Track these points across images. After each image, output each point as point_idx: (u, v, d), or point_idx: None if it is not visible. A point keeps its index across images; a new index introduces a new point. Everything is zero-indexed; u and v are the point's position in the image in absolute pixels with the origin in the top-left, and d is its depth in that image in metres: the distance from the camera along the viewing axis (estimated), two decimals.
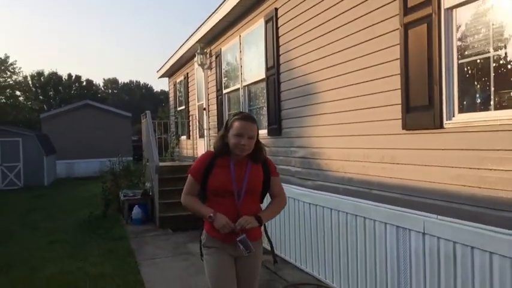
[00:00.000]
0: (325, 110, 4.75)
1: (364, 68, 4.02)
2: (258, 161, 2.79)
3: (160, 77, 14.41)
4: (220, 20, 7.58)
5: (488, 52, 2.88)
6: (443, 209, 3.15)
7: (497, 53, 2.83)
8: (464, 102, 3.07)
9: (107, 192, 9.92)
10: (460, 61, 3.07)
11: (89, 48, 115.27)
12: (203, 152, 2.76)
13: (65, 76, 49.82)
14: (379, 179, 3.86)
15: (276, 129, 5.93)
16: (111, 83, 69.46)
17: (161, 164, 9.19)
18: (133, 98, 62.50)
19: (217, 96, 8.73)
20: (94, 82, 55.74)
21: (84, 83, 51.27)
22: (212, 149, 2.86)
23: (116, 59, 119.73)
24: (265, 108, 6.43)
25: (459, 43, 3.09)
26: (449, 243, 3.10)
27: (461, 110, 3.07)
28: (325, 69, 4.71)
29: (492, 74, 2.86)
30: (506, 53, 2.77)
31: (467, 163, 2.97)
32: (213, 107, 9.08)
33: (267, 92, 6.22)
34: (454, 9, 3.07)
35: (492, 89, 2.87)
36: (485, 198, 2.83)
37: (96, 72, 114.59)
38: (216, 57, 8.77)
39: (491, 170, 2.79)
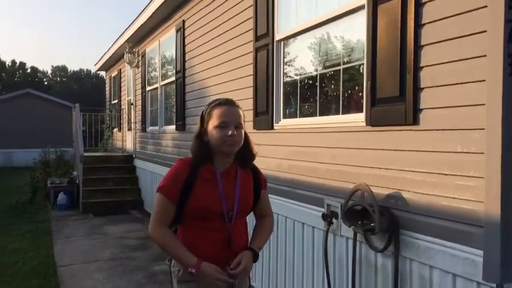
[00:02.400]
0: None
1: (236, 79, 4.99)
2: (247, 165, 2.17)
3: (97, 70, 14.94)
4: (142, 25, 8.38)
5: (298, 75, 3.92)
6: (275, 190, 4.16)
7: (303, 76, 3.87)
8: (287, 111, 4.11)
9: (36, 180, 10.46)
10: (284, 80, 4.10)
11: (35, 35, 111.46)
12: (176, 163, 2.12)
13: (8, 62, 48.48)
14: None
15: (181, 125, 6.83)
16: (60, 70, 67.83)
17: (87, 154, 9.87)
18: (83, 87, 61.43)
19: (142, 93, 9.53)
20: (41, 69, 54.49)
21: (29, 70, 50.06)
22: (189, 156, 2.13)
23: (65, 47, 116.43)
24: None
25: (285, 67, 4.11)
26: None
27: (285, 116, 4.10)
28: (214, 77, 5.66)
29: (299, 91, 3.91)
30: (310, 77, 3.82)
31: (286, 155, 4.00)
32: (139, 103, 9.86)
33: (176, 93, 7.12)
34: (282, 41, 4.09)
35: (298, 102, 3.93)
36: (293, 181, 3.87)
37: (44, 59, 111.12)
38: (142, 57, 9.56)
39: (298, 160, 3.82)
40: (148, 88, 9.08)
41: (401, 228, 2.67)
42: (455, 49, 2.34)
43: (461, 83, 2.31)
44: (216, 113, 2.03)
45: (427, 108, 2.52)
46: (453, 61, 2.35)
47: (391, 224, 2.68)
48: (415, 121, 2.58)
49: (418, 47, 2.56)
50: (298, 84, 3.96)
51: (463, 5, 2.29)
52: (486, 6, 2.16)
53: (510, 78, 2.08)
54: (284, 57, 4.11)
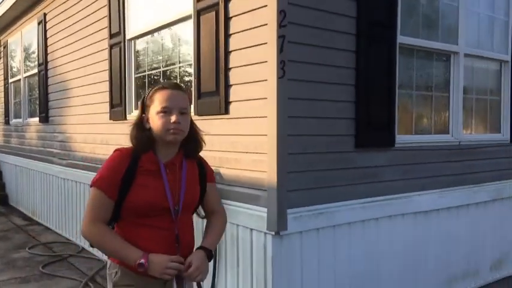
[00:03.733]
0: (75, 103, 5.92)
1: (94, 73, 5.30)
2: (194, 155, 1.99)
3: None
4: (3, 15, 8.12)
5: (147, 71, 4.42)
6: None
7: (151, 72, 4.37)
8: (139, 102, 4.56)
9: None
10: (135, 75, 4.55)
11: None
12: (113, 153, 1.88)
13: None
14: (100, 156, 5.19)
15: (44, 117, 6.87)
16: None
17: None
18: None
19: (4, 85, 9.18)
20: None
21: None
22: (128, 145, 1.89)
23: None
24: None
25: (137, 63, 4.57)
26: None
27: (137, 108, 4.55)
28: (75, 70, 5.86)
29: (147, 86, 4.40)
30: (157, 73, 4.32)
31: None
32: (1, 95, 9.48)
33: (39, 85, 7.12)
34: (132, 40, 4.53)
35: None
36: None
37: None
38: (3, 48, 9.20)
39: None
40: (11, 80, 8.81)
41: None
42: (249, 55, 3.03)
43: (253, 82, 3.00)
44: (158, 97, 1.81)
45: (234, 101, 3.19)
46: (248, 64, 3.04)
47: None
48: (227, 111, 3.23)
49: (227, 53, 3.21)
50: (147, 79, 4.44)
51: (253, 22, 2.98)
52: (266, 24, 2.86)
53: (281, 79, 2.81)
54: (135, 54, 4.56)
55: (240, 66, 3.12)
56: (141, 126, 1.87)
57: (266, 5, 2.87)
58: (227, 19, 3.20)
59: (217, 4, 3.24)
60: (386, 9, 3.44)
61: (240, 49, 3.13)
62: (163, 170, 1.85)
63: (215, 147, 3.35)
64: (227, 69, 3.22)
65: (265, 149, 2.91)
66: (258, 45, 2.96)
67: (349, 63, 3.28)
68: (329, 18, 3.13)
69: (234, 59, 3.17)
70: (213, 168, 3.39)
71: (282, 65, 2.82)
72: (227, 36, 3.21)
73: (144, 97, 1.91)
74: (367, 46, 3.30)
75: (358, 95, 3.30)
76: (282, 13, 2.82)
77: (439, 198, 3.92)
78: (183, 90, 1.89)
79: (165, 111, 1.79)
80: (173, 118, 1.78)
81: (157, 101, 1.81)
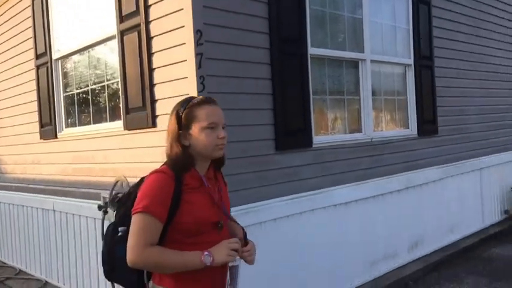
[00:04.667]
0: (4, 124, 5.85)
1: (22, 93, 5.29)
2: (222, 166, 1.96)
3: None
4: None
5: (76, 90, 4.53)
6: (62, 192, 4.66)
7: (80, 90, 4.49)
8: (68, 121, 4.66)
9: None
10: (64, 94, 4.64)
11: None
12: (150, 174, 1.79)
13: None
14: (33, 176, 5.20)
15: None
16: None
17: None
18: None
19: None
20: None
21: None
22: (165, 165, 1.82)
23: None
24: None
25: (65, 82, 4.66)
26: (64, 214, 4.65)
27: (67, 126, 4.65)
28: (3, 91, 5.79)
29: (76, 104, 4.51)
30: (85, 91, 4.45)
31: (70, 160, 4.55)
32: None
33: None
34: (59, 60, 4.63)
35: (77, 113, 4.53)
36: (77, 182, 4.45)
37: None
38: None
39: (80, 163, 4.41)
40: None
41: None
42: (171, 72, 3.27)
43: (176, 96, 3.23)
44: (203, 113, 1.77)
45: (161, 115, 3.41)
46: (171, 80, 3.28)
47: None
48: (154, 124, 3.45)
49: (151, 70, 3.44)
50: (76, 98, 4.55)
51: (173, 41, 3.23)
52: (185, 43, 3.13)
53: (201, 93, 3.08)
54: (63, 74, 4.65)
55: (164, 82, 3.35)
56: (180, 143, 1.78)
57: (184, 26, 3.14)
58: (149, 39, 3.42)
59: (138, 25, 3.46)
60: (296, 25, 3.81)
61: (163, 66, 3.36)
62: (206, 183, 1.82)
63: (145, 159, 3.55)
64: (152, 85, 3.44)
65: None
66: (178, 62, 3.21)
67: (266, 75, 3.61)
68: (244, 35, 3.45)
69: (158, 76, 3.40)
70: None
71: (201, 79, 3.09)
72: (150, 54, 3.43)
73: (177, 113, 1.81)
74: (280, 59, 3.65)
75: (276, 103, 3.63)
76: (198, 32, 3.09)
77: (356, 190, 4.34)
78: (218, 104, 1.87)
79: (213, 127, 1.77)
80: (222, 134, 1.79)
81: (202, 116, 1.77)
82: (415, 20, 5.11)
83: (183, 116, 1.79)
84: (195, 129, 1.77)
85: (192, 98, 1.86)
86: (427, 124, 5.27)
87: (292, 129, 3.76)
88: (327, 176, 4.11)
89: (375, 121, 4.71)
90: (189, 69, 3.10)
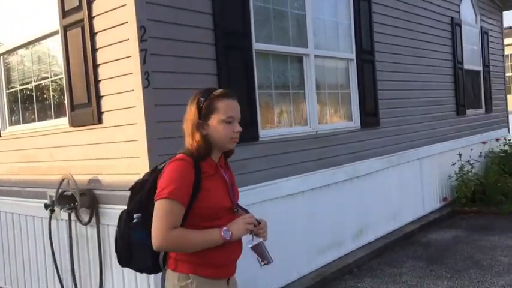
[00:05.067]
0: None
1: None
2: (229, 156, 2.08)
3: None
4: None
5: (19, 86, 4.42)
6: (7, 192, 4.53)
7: (23, 87, 4.38)
8: (12, 118, 4.54)
9: None
10: (7, 91, 4.52)
11: None
12: (171, 162, 1.89)
13: None
14: None
15: None
16: None
17: None
18: None
19: None
20: None
21: None
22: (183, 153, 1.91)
23: None
24: None
25: (8, 78, 4.53)
26: (10, 214, 4.53)
27: (11, 124, 4.53)
28: None
29: (20, 101, 4.40)
30: (29, 88, 4.35)
31: (16, 159, 4.43)
32: None
33: None
34: (1, 56, 4.49)
35: (21, 110, 4.42)
36: (23, 181, 4.35)
37: None
38: None
39: (26, 162, 4.31)
40: None
41: (100, 203, 3.52)
42: (116, 68, 3.28)
43: (122, 92, 3.26)
44: (223, 106, 1.88)
45: (107, 111, 3.41)
46: (116, 76, 3.29)
47: (91, 201, 3.50)
48: (100, 121, 3.45)
49: (96, 66, 3.42)
50: (19, 94, 4.44)
51: (117, 37, 3.24)
52: (129, 39, 3.14)
53: (147, 88, 3.12)
54: (5, 70, 4.52)
55: (109, 79, 3.35)
56: (200, 133, 1.88)
57: (127, 22, 3.15)
58: (93, 34, 3.41)
59: (81, 21, 3.44)
60: (241, 21, 3.90)
61: (108, 62, 3.36)
62: (223, 172, 1.96)
63: (91, 156, 3.54)
64: (97, 81, 3.43)
65: (137, 153, 3.19)
66: (123, 58, 3.22)
67: (211, 70, 3.68)
68: (188, 30, 3.50)
69: (102, 72, 3.40)
70: (93, 176, 3.60)
71: (146, 75, 3.12)
72: (94, 50, 3.41)
73: (198, 100, 1.90)
74: (225, 54, 3.73)
75: None
76: (142, 29, 3.12)
77: (303, 181, 4.51)
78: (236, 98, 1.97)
79: (230, 121, 1.89)
80: (237, 128, 1.91)
81: (223, 109, 1.87)
82: (356, 16, 5.32)
83: (203, 106, 1.89)
84: (213, 121, 1.88)
85: (213, 89, 1.97)
86: (370, 116, 5.51)
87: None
88: (274, 169, 4.24)
89: (319, 114, 4.89)
90: (134, 65, 3.13)
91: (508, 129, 9.83)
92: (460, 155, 7.02)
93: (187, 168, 1.83)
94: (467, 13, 8.22)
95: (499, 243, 5.15)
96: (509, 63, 15.30)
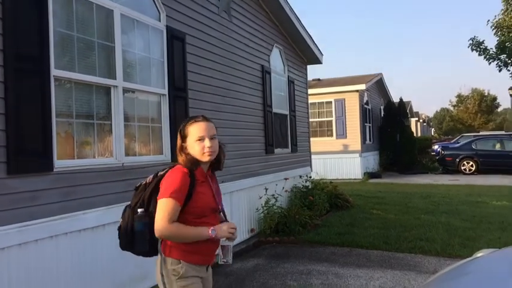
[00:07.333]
0: None
1: None
2: (218, 169, 2.66)
3: None
4: None
5: None
6: None
7: None
8: None
9: None
10: None
11: None
12: (172, 170, 2.50)
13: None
14: None
15: None
16: None
17: None
18: None
19: None
20: None
21: None
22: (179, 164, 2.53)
23: None
24: None
25: None
26: None
27: None
28: None
29: None
30: None
31: None
32: None
33: None
34: None
35: None
36: None
37: None
38: None
39: None
40: None
41: None
42: None
43: None
44: (192, 130, 2.50)
45: None
46: None
47: None
48: None
49: None
50: None
51: None
52: None
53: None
54: None
55: None
56: (183, 152, 2.52)
57: None
58: None
59: None
60: (37, 45, 3.71)
61: None
62: (209, 178, 2.58)
63: None
64: None
65: None
66: None
67: None
68: None
69: None
70: None
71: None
72: None
73: (180, 129, 2.57)
74: (16, 77, 3.50)
75: (8, 123, 3.44)
76: None
77: (105, 214, 4.37)
78: (210, 121, 2.57)
79: (200, 139, 2.48)
80: (207, 144, 2.48)
81: (193, 133, 2.49)
82: (170, 54, 5.53)
83: (182, 132, 2.55)
84: (189, 142, 2.51)
85: (194, 117, 2.57)
86: None
87: (28, 152, 3.60)
88: (72, 201, 4.04)
89: (127, 146, 4.86)
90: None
91: (311, 167, 11.13)
92: (267, 189, 7.67)
93: (185, 175, 2.41)
94: (277, 63, 9.24)
95: (291, 269, 5.68)
96: (314, 110, 17.52)
